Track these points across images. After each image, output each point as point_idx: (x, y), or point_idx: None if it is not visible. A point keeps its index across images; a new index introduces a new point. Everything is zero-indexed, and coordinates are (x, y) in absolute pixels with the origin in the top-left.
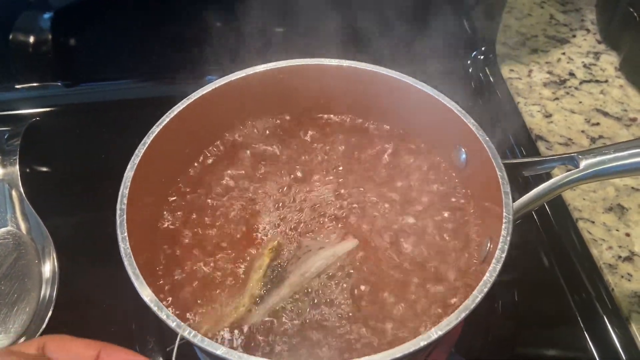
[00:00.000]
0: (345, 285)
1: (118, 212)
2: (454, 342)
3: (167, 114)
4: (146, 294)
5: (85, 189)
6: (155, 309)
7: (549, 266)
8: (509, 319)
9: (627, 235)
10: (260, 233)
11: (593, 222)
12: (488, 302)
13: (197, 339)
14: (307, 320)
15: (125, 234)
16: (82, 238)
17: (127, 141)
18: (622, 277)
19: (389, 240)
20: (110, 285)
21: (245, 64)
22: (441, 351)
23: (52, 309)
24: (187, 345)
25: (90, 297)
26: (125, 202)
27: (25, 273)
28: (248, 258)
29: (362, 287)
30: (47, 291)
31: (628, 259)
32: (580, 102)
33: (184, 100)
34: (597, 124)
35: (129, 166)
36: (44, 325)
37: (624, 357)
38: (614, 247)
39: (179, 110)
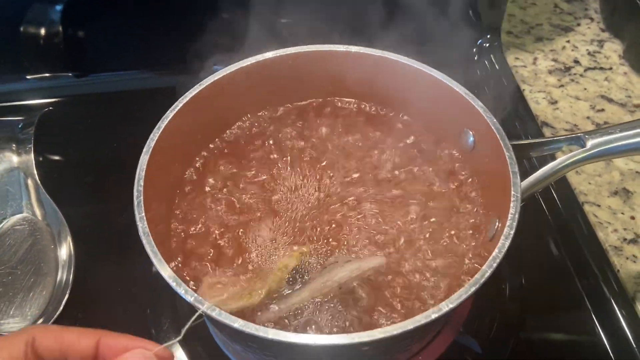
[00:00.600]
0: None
1: (135, 193)
2: (463, 322)
3: (179, 99)
4: (165, 271)
5: (98, 177)
6: (174, 284)
7: (556, 250)
8: (517, 302)
9: (632, 218)
10: (284, 221)
11: (599, 206)
12: (496, 285)
13: (215, 312)
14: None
15: (143, 214)
16: (96, 224)
17: (138, 130)
18: (628, 258)
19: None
20: (125, 269)
21: (253, 53)
22: (450, 330)
23: (68, 293)
24: (201, 326)
25: (106, 281)
26: (142, 183)
27: (41, 258)
28: (268, 246)
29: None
30: (63, 275)
31: (633, 241)
32: (585, 89)
33: (196, 86)
34: (602, 110)
35: (144, 149)
36: (60, 309)
37: (630, 338)
38: (620, 229)
39: (191, 96)
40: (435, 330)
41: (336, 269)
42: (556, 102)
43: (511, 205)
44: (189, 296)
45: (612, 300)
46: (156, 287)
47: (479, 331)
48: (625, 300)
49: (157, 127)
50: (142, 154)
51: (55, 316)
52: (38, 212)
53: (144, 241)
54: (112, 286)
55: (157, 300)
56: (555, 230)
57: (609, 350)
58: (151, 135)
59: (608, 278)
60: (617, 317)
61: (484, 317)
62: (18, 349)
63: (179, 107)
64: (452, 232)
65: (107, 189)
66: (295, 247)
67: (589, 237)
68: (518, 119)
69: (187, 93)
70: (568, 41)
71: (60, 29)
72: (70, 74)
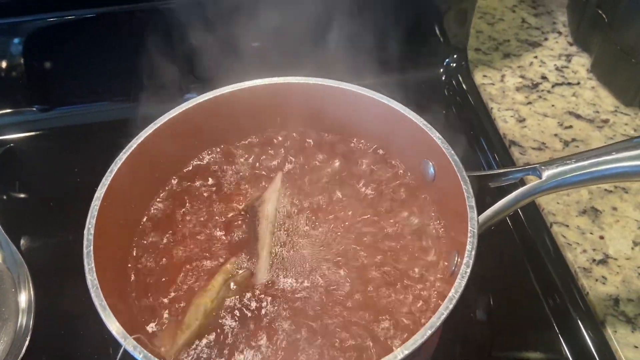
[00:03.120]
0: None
1: (85, 242)
2: (432, 352)
3: (133, 140)
4: (113, 326)
5: (59, 215)
6: (122, 340)
7: (524, 271)
8: (486, 325)
9: (601, 238)
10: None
11: (567, 226)
12: (464, 308)
13: None
14: None
15: (92, 264)
16: (57, 263)
17: (104, 163)
18: (597, 280)
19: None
20: (87, 310)
21: (217, 83)
22: None
23: (28, 338)
24: None
25: (68, 324)
26: (92, 232)
27: (2, 302)
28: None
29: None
30: (23, 320)
31: (602, 262)
32: (553, 106)
33: (150, 126)
34: (570, 126)
35: (95, 195)
36: (21, 354)
37: (597, 358)
38: (588, 250)
39: (145, 136)
40: None
41: (264, 206)
42: (524, 120)
43: (468, 241)
44: (137, 353)
45: (579, 321)
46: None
47: (450, 358)
48: (592, 321)
49: (109, 170)
50: (93, 200)
51: None
52: None
53: (93, 295)
54: (73, 329)
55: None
56: (523, 252)
57: None
58: (102, 180)
59: (575, 299)
60: (584, 337)
61: (454, 344)
62: None
63: (132, 149)
64: (413, 267)
65: (69, 226)
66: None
67: (557, 259)
68: (485, 138)
69: (140, 133)
70: (536, 57)
71: (22, 61)
72: (34, 108)
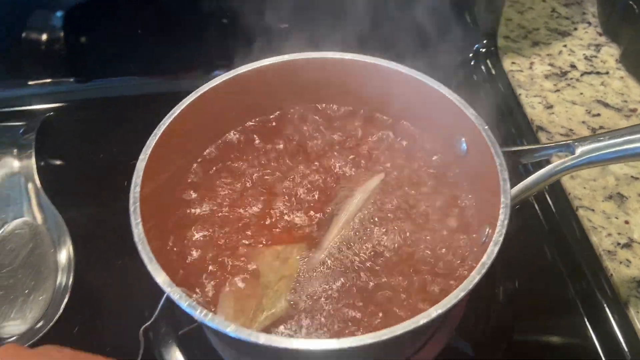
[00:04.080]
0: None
1: (131, 199)
2: (455, 325)
3: (177, 106)
4: (160, 278)
5: (97, 181)
6: (168, 290)
7: (550, 254)
8: (510, 306)
9: (627, 222)
10: (280, 214)
11: (593, 210)
12: (489, 289)
13: (208, 318)
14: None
15: (139, 219)
16: (96, 228)
17: (136, 135)
18: (621, 263)
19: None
20: (124, 272)
21: (252, 59)
22: (443, 334)
23: (67, 296)
24: (198, 330)
25: (105, 285)
26: (139, 190)
27: (42, 262)
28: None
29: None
30: (63, 279)
31: (627, 245)
32: (581, 94)
33: (193, 93)
34: (598, 114)
35: (140, 156)
36: (59, 312)
37: (622, 342)
38: (613, 234)
39: (188, 102)
40: (428, 334)
41: (349, 200)
42: (552, 106)
43: (500, 212)
44: (184, 302)
45: (605, 305)
46: (154, 291)
47: (472, 335)
48: (618, 304)
49: (153, 134)
50: (139, 161)
51: (55, 319)
52: (38, 216)
53: (139, 247)
54: (110, 290)
55: (155, 304)
56: (549, 235)
57: (601, 354)
58: (147, 142)
59: (601, 282)
60: (609, 321)
61: (477, 321)
62: None
63: (175, 114)
64: (444, 236)
65: (107, 193)
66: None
67: (583, 242)
68: (513, 123)
69: (184, 100)
70: (565, 46)
71: (62, 35)
72: (71, 80)
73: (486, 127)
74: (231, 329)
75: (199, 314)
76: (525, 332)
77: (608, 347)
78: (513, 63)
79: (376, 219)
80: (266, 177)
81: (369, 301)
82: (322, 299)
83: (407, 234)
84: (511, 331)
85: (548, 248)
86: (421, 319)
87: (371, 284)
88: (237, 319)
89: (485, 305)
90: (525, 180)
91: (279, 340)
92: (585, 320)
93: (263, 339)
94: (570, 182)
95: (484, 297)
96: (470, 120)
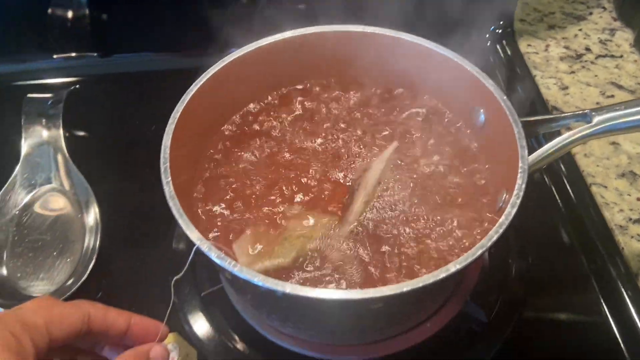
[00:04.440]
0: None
1: (162, 159)
2: (470, 291)
3: (203, 74)
4: (190, 231)
5: (122, 152)
6: (198, 243)
7: (564, 231)
8: (523, 280)
9: (638, 199)
10: (297, 185)
11: (606, 187)
12: (503, 263)
13: (236, 268)
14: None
15: (169, 178)
16: (121, 195)
17: (158, 110)
18: (632, 237)
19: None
20: (149, 235)
21: (272, 34)
22: (457, 300)
23: (94, 259)
24: (220, 292)
25: (130, 249)
26: (168, 151)
27: (69, 226)
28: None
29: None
30: (90, 242)
31: (638, 221)
32: (596, 76)
33: (219, 62)
34: (612, 96)
35: (170, 120)
36: (87, 273)
37: (636, 318)
38: (625, 210)
39: (214, 71)
40: (443, 296)
41: (367, 173)
42: (567, 87)
43: (518, 176)
44: (213, 254)
45: (619, 281)
46: (178, 255)
47: (486, 303)
48: (631, 280)
49: (181, 100)
50: (168, 124)
51: (83, 279)
52: (66, 182)
53: (170, 203)
54: (136, 254)
55: (179, 266)
56: (563, 212)
57: (615, 330)
58: (176, 107)
59: (614, 258)
60: (623, 296)
61: (491, 291)
62: (77, 319)
63: (202, 82)
64: (461, 202)
65: (131, 162)
66: (311, 219)
67: (596, 217)
68: (529, 103)
69: (210, 69)
70: (580, 29)
71: (87, 11)
72: (95, 54)
73: (505, 97)
74: (259, 279)
75: (228, 264)
76: (538, 303)
77: (622, 323)
78: (529, 45)
79: (395, 189)
80: (285, 149)
81: (387, 266)
82: (339, 263)
83: (427, 203)
84: (523, 305)
85: (562, 225)
86: (441, 273)
87: (394, 250)
88: (245, 256)
89: (500, 279)
90: (542, 148)
91: (303, 290)
92: (600, 296)
93: (289, 288)
94: (584, 160)
95: (498, 270)
96: (490, 91)
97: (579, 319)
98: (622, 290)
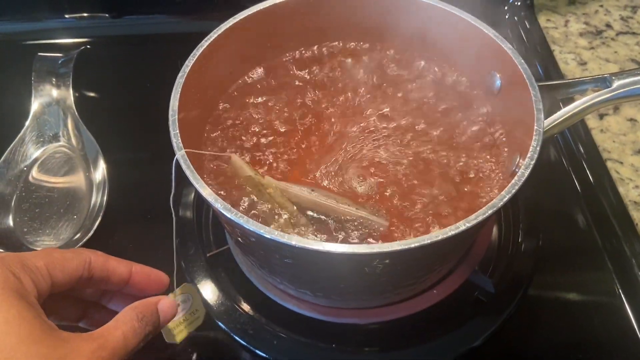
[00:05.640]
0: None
1: (170, 112)
2: (478, 261)
3: (214, 31)
4: (199, 185)
5: (130, 112)
6: (210, 199)
7: (578, 209)
8: (533, 256)
9: None
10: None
11: (621, 163)
12: (514, 237)
13: (244, 220)
14: None
15: (177, 131)
16: (129, 153)
17: (168, 72)
18: None
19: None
20: (156, 192)
21: None
22: (465, 268)
23: (101, 216)
24: (226, 253)
25: (136, 207)
26: (177, 103)
27: (77, 184)
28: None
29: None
30: (97, 199)
31: None
32: (616, 52)
33: (231, 19)
34: None
35: (179, 74)
36: (92, 231)
37: None
38: None
39: (226, 27)
40: (452, 261)
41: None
42: (585, 63)
43: (533, 138)
44: (220, 204)
45: (633, 260)
46: (184, 215)
47: (494, 275)
48: None
49: (192, 54)
50: (178, 77)
51: (89, 235)
52: (74, 141)
53: (178, 155)
54: (142, 211)
55: (184, 227)
56: (577, 188)
57: (628, 309)
58: (186, 62)
59: (629, 236)
60: (638, 277)
61: (500, 264)
62: (78, 264)
63: (214, 37)
64: (474, 165)
65: (139, 122)
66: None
67: (611, 192)
68: (547, 78)
69: (221, 25)
70: (601, 6)
71: None
72: (106, 15)
73: (522, 60)
74: (266, 231)
75: (235, 216)
76: (547, 282)
77: (636, 303)
78: (548, 20)
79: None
80: (301, 105)
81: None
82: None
83: (440, 159)
84: (532, 280)
85: (575, 201)
86: (450, 231)
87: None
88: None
89: (510, 254)
90: (560, 111)
91: (310, 243)
92: (613, 275)
93: (295, 240)
94: (600, 135)
95: (508, 244)
96: (507, 54)
97: (590, 298)
98: (637, 269)
